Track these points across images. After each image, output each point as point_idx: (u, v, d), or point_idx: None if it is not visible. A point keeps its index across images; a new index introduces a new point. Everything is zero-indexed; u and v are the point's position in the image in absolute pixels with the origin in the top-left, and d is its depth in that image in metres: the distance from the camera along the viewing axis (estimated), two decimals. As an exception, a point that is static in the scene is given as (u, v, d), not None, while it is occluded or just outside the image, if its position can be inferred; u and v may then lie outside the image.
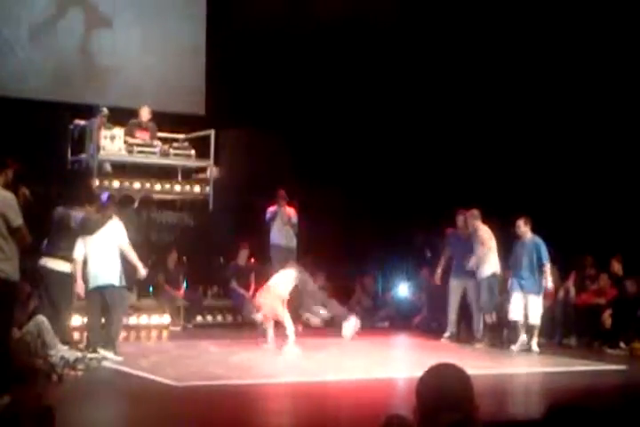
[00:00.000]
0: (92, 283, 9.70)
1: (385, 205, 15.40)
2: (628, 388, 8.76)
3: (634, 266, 12.08)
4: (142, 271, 10.07)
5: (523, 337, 11.43)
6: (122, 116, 13.50)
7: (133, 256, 9.92)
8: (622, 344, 11.49)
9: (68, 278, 9.21)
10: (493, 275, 12.04)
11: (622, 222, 12.91)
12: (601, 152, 13.45)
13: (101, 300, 9.73)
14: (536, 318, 11.43)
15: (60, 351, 8.44)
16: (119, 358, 9.47)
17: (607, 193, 13.17)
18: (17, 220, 7.19)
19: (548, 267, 11.46)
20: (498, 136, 14.49)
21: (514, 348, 11.39)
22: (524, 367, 10.14)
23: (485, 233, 12.02)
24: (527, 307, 11.45)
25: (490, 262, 12.02)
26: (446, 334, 12.46)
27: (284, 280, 11.22)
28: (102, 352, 9.40)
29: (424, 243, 14.25)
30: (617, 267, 12.33)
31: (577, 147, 13.62)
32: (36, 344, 8.24)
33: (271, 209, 13.61)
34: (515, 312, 11.48)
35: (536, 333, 11.44)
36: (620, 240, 12.56)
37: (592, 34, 13.43)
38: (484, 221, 12.07)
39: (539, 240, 11.55)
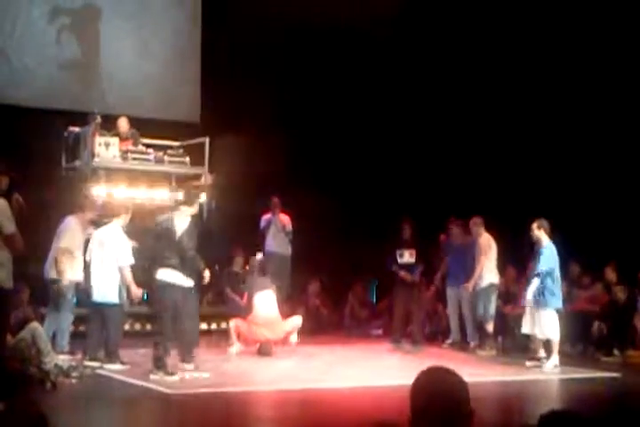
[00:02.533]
0: (94, 296, 9.70)
1: (381, 213, 15.39)
2: (622, 395, 8.76)
3: (628, 273, 12.09)
4: (136, 292, 9.90)
5: (541, 353, 10.56)
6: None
7: (128, 277, 9.78)
8: (616, 352, 11.49)
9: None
10: (491, 285, 12.02)
11: (617, 230, 12.92)
12: (596, 162, 13.47)
13: (102, 312, 9.71)
14: (548, 333, 10.44)
15: (55, 359, 8.43)
16: (127, 367, 9.48)
17: (603, 201, 13.17)
18: (10, 226, 7.19)
19: (534, 281, 10.39)
20: (493, 143, 14.50)
21: (528, 363, 10.56)
22: (517, 375, 10.12)
23: (485, 241, 11.99)
24: (540, 320, 10.48)
25: (488, 273, 11.99)
26: (448, 341, 12.46)
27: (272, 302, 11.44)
28: (109, 366, 9.38)
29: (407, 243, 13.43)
30: (611, 275, 12.34)
31: (573, 157, 13.64)
32: (30, 351, 8.23)
33: (265, 217, 13.61)
34: (525, 326, 10.66)
35: (554, 349, 10.40)
36: (614, 248, 12.56)
37: (593, 35, 13.44)
38: (487, 229, 12.10)
39: (549, 247, 10.49)
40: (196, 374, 9.07)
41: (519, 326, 11.39)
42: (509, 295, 12.96)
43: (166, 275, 9.03)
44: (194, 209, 9.49)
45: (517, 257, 12.59)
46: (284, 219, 13.58)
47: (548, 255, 10.45)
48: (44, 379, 8.09)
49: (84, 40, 15.49)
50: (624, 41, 13.25)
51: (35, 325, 8.56)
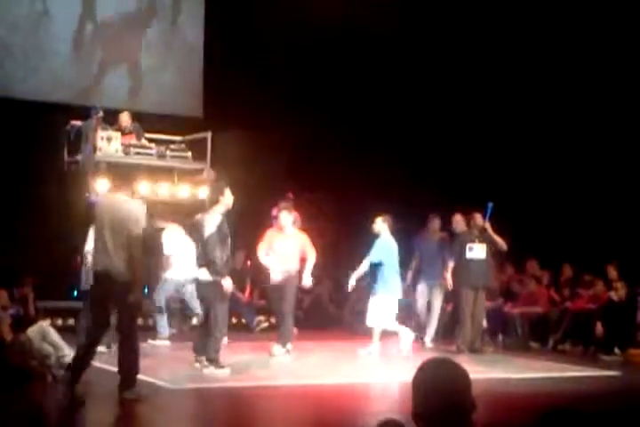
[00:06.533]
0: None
1: (380, 210, 15.38)
2: (622, 394, 8.75)
3: (628, 273, 12.09)
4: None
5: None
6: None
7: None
8: (617, 350, 11.48)
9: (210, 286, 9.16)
10: None
11: (619, 229, 12.91)
12: (597, 163, 13.47)
13: None
14: (374, 320, 11.08)
15: (67, 352, 8.35)
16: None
17: (604, 198, 13.18)
18: (135, 229, 7.20)
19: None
20: (494, 137, 14.50)
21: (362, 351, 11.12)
22: (517, 373, 10.12)
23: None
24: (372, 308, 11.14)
25: None
26: (427, 339, 12.07)
27: None
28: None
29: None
30: (613, 273, 12.33)
31: (573, 158, 13.65)
32: (31, 346, 8.20)
33: (276, 211, 13.57)
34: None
35: (376, 337, 11.03)
36: (616, 246, 12.56)
37: (583, 37, 13.46)
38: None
39: (383, 240, 11.14)
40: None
41: (520, 324, 11.38)
42: (509, 294, 12.97)
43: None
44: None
45: (516, 255, 12.61)
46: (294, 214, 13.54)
47: (380, 247, 11.06)
48: (45, 372, 8.09)
49: (86, 35, 15.48)
50: (622, 42, 13.26)
51: (40, 324, 8.55)
